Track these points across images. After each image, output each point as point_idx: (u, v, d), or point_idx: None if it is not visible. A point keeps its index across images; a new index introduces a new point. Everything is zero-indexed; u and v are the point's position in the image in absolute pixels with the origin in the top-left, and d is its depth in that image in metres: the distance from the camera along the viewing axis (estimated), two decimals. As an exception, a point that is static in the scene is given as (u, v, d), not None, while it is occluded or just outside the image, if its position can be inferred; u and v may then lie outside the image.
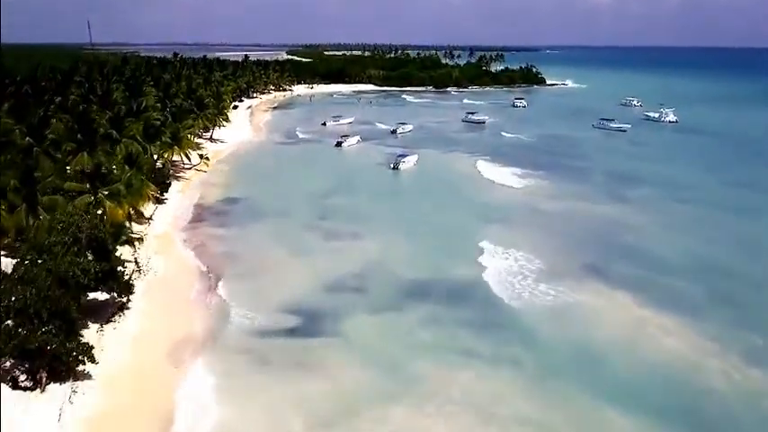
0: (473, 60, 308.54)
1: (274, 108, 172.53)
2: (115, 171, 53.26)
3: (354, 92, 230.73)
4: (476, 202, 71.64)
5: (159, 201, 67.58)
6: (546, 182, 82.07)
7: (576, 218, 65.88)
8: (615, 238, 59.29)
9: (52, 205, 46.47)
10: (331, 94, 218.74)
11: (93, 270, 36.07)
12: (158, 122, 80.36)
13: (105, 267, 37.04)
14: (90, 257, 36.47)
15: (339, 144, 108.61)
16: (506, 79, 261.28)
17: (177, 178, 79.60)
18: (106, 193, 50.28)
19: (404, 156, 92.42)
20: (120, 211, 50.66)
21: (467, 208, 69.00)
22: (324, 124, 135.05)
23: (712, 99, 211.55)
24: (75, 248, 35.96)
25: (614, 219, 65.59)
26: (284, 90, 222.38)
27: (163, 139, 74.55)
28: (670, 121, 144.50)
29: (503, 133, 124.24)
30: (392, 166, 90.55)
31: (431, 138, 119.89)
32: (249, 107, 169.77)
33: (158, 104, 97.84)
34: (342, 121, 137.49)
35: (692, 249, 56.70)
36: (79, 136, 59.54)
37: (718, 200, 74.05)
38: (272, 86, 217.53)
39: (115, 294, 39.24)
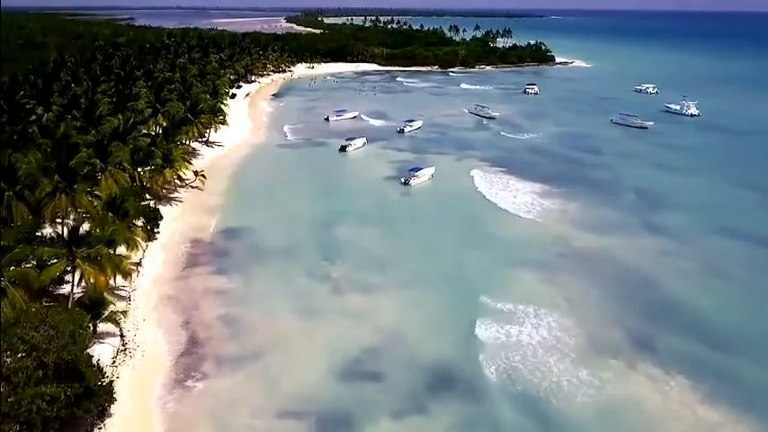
0: (479, 35, 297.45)
1: (274, 96, 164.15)
2: (96, 231, 46.53)
3: (356, 73, 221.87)
4: (497, 236, 64.78)
5: (151, 236, 61.10)
6: (572, 204, 75.10)
7: (611, 260, 59.34)
8: (660, 292, 52.92)
9: (22, 278, 40.05)
10: (333, 76, 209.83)
11: (63, 395, 29.96)
12: (148, 141, 73.41)
13: (78, 390, 30.82)
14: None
15: (344, 148, 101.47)
16: (515, 58, 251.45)
17: (170, 200, 72.91)
18: (85, 256, 43.74)
19: (415, 170, 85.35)
20: (102, 278, 44.22)
21: (488, 246, 62.34)
22: (326, 119, 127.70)
23: (726, 81, 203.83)
24: (41, 373, 29.67)
25: (655, 261, 59.05)
26: (284, 71, 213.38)
27: (153, 163, 67.55)
28: (692, 115, 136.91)
29: (516, 135, 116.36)
30: (403, 181, 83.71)
31: (440, 138, 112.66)
32: (248, 94, 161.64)
33: (149, 110, 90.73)
34: (345, 116, 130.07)
35: (754, 308, 50.50)
36: (57, 177, 52.65)
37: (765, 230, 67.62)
38: (271, 68, 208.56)
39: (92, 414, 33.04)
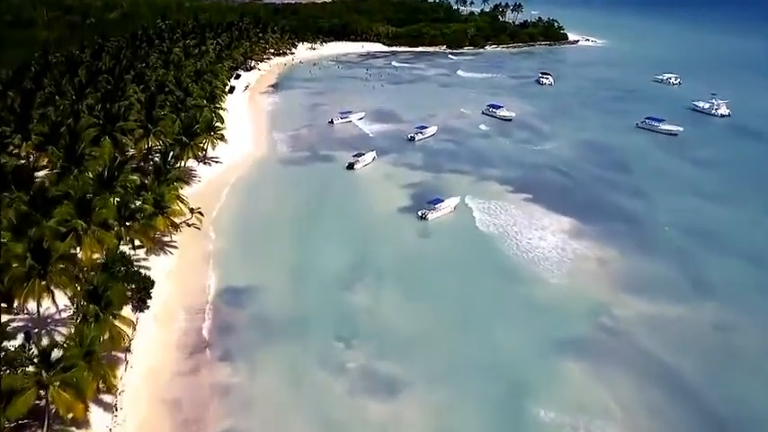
0: (487, 9, 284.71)
1: (273, 88, 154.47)
2: (71, 346, 39.33)
3: (361, 55, 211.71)
4: (531, 301, 57.40)
5: (141, 306, 53.98)
6: (607, 251, 67.27)
7: (661, 338, 51.89)
8: (718, 391, 46.04)
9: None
10: (336, 61, 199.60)
11: None
12: (137, 181, 65.71)
13: None
14: None
15: (351, 166, 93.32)
16: (526, 37, 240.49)
17: (163, 247, 65.42)
18: (58, 383, 36.77)
19: (434, 202, 77.43)
20: (80, 406, 37.33)
21: (522, 317, 55.08)
22: (331, 122, 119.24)
23: (756, 64, 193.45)
24: None
25: (713, 341, 52.05)
26: (285, 54, 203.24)
27: (143, 215, 59.86)
28: (722, 115, 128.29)
29: (536, 145, 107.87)
30: (420, 215, 76.02)
31: (454, 151, 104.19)
32: (247, 87, 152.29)
33: (141, 130, 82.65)
34: (351, 117, 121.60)
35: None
36: (30, 261, 45.26)
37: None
38: (271, 50, 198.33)
39: None
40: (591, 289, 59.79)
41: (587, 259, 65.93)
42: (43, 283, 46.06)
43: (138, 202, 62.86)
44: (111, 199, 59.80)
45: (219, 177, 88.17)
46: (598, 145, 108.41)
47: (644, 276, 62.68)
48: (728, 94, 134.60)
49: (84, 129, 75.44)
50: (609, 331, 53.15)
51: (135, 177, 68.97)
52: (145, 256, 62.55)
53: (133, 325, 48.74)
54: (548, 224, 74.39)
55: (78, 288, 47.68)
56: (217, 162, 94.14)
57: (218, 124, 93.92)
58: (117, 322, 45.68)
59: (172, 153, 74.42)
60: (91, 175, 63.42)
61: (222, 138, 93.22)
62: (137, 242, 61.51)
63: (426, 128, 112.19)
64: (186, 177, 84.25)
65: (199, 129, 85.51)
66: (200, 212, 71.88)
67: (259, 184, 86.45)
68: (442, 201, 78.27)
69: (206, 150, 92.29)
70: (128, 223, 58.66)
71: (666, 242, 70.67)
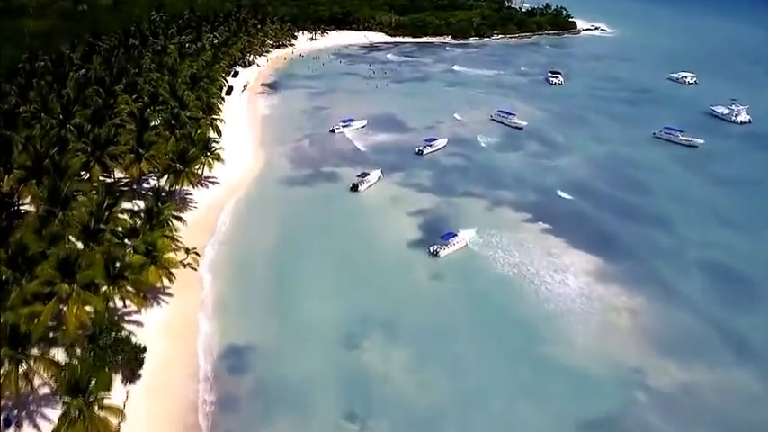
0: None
1: (272, 88, 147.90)
2: None
3: (364, 47, 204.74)
4: (555, 365, 52.54)
5: (133, 377, 49.43)
6: (636, 300, 62.27)
7: (704, 419, 47.64)
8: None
9: None
10: (338, 55, 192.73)
11: None
12: (128, 225, 60.59)
13: None
14: None
15: (355, 188, 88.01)
16: (533, 26, 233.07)
17: (156, 297, 60.41)
18: None
19: (447, 237, 72.30)
20: None
21: (547, 388, 50.28)
22: (332, 131, 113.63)
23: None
24: None
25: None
26: (284, 46, 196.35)
27: (133, 270, 54.82)
28: (741, 122, 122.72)
29: (551, 160, 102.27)
30: (431, 251, 70.97)
31: (464, 167, 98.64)
32: (245, 86, 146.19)
33: (131, 155, 77.20)
34: (353, 126, 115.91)
35: None
36: (5, 350, 40.47)
37: None
38: (270, 43, 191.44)
39: None
40: (621, 350, 54.94)
41: (615, 310, 60.96)
42: (21, 370, 41.46)
43: (128, 252, 57.90)
44: (99, 254, 54.65)
45: (216, 203, 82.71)
46: (615, 160, 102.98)
47: (676, 332, 57.92)
48: (747, 96, 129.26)
49: (71, 158, 70.20)
50: (643, 407, 48.45)
51: (125, 218, 63.70)
52: (135, 308, 57.78)
53: (121, 413, 43.99)
54: (568, 263, 69.35)
55: (61, 373, 42.89)
56: (214, 182, 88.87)
57: (215, 144, 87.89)
58: (103, 413, 41.08)
59: (164, 191, 68.87)
60: (78, 220, 58.27)
61: (219, 158, 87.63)
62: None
63: (435, 140, 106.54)
64: (180, 205, 79.47)
65: (193, 155, 79.76)
66: (195, 253, 66.83)
67: (258, 213, 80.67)
68: (455, 236, 73.05)
69: (202, 173, 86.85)
70: (117, 280, 53.68)
71: (698, 290, 65.61)
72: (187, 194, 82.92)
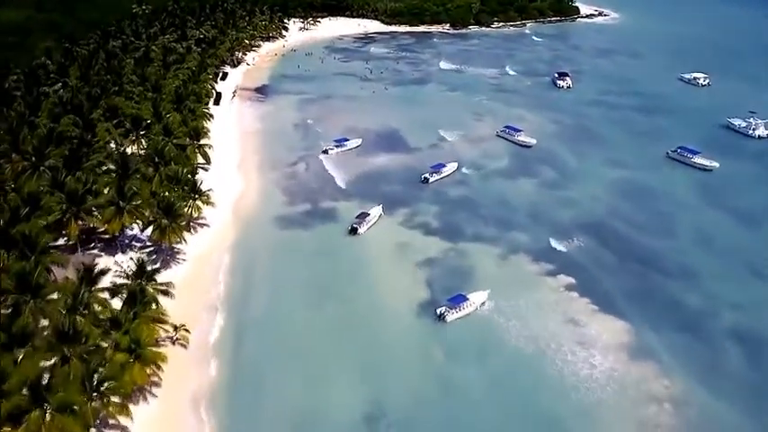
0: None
1: (263, 94, 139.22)
2: None
3: (358, 37, 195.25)
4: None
5: None
6: (677, 384, 55.87)
7: None
8: None
9: None
10: (330, 49, 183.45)
11: None
12: (108, 318, 53.90)
13: None
14: None
15: (354, 230, 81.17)
16: (535, 12, 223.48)
17: (143, 392, 54.08)
18: None
19: (456, 300, 66.04)
20: None
21: None
22: (325, 152, 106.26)
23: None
24: None
25: None
26: (275, 39, 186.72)
27: (113, 378, 48.38)
28: (759, 137, 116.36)
29: (564, 190, 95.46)
30: (438, 315, 64.85)
31: (473, 201, 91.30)
32: (235, 92, 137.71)
33: (111, 208, 70.13)
34: (347, 145, 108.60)
35: None
36: None
37: None
38: (259, 37, 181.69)
39: None
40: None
41: (655, 401, 54.84)
42: None
43: (110, 346, 51.54)
44: (75, 360, 48.11)
45: (206, 254, 75.64)
46: (631, 189, 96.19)
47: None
48: (763, 99, 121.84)
49: (45, 215, 63.60)
50: None
51: (104, 297, 57.02)
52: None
53: None
54: (594, 334, 63.16)
55: None
56: (202, 224, 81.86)
57: (204, 188, 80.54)
58: None
59: (147, 263, 61.99)
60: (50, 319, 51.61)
61: (208, 202, 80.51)
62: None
63: (443, 166, 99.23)
64: (166, 258, 72.91)
65: (179, 209, 72.63)
66: (185, 330, 60.58)
67: (251, 269, 73.40)
68: (465, 299, 66.80)
69: (190, 216, 79.70)
70: (96, 394, 47.33)
71: (739, 364, 60.11)
72: (173, 247, 75.99)
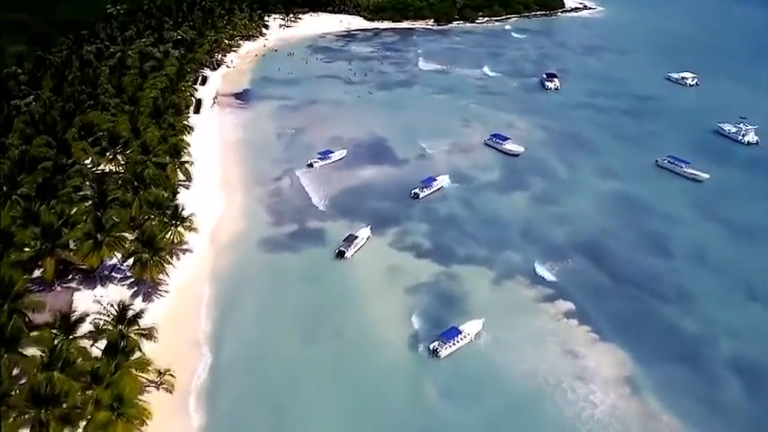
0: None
1: (243, 100, 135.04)
2: None
3: (340, 36, 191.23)
4: None
5: None
6: (676, 425, 55.33)
7: None
8: None
9: None
10: (314, 42, 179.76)
11: None
12: (89, 371, 50.99)
13: None
14: None
15: (341, 254, 78.54)
16: (520, 6, 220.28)
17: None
18: None
19: (449, 335, 63.82)
20: None
21: None
22: (310, 165, 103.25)
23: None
24: None
25: None
26: (255, 37, 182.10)
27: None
28: (749, 143, 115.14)
29: (554, 205, 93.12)
30: (431, 350, 62.57)
31: (464, 218, 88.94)
32: (215, 99, 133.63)
33: (89, 242, 66.96)
34: (332, 157, 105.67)
35: None
36: None
37: None
38: (239, 36, 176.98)
39: None
40: None
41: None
42: None
43: (90, 402, 48.83)
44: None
45: (190, 284, 72.56)
46: (623, 202, 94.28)
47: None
48: (753, 101, 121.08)
49: (18, 254, 60.30)
50: None
51: (84, 345, 54.15)
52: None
53: None
54: (594, 367, 61.37)
55: None
56: (185, 250, 78.91)
57: (187, 212, 77.37)
58: None
59: (129, 305, 58.95)
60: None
61: (191, 227, 77.43)
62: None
63: (433, 180, 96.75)
64: (148, 290, 69.97)
65: (160, 241, 69.58)
66: (171, 375, 57.94)
67: (237, 299, 70.33)
68: (459, 332, 64.66)
69: (172, 242, 76.63)
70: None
71: (739, 398, 58.86)
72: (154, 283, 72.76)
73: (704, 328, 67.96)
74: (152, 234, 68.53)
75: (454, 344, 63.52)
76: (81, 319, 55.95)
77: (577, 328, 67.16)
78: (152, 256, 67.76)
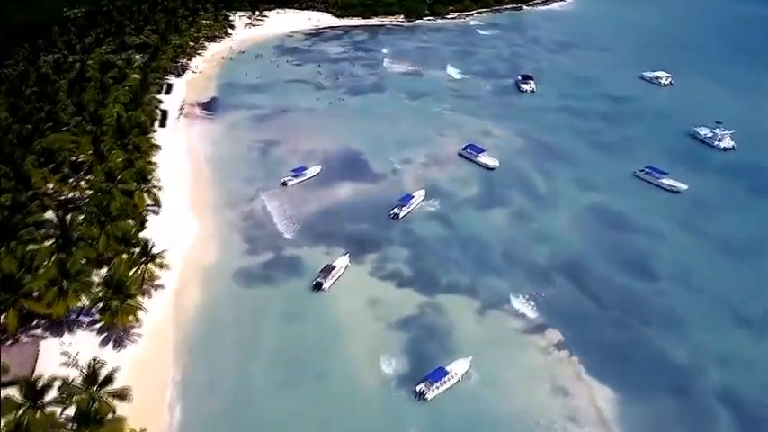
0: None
1: (210, 110, 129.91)
2: None
3: (309, 35, 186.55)
4: None
5: None
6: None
7: None
8: None
9: None
10: (282, 43, 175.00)
11: None
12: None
13: None
14: None
15: (319, 285, 75.60)
16: (490, 0, 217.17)
17: None
18: None
19: (437, 376, 61.59)
20: None
21: None
22: (284, 184, 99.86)
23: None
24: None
25: None
26: (221, 38, 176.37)
27: None
28: (725, 148, 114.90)
29: (535, 221, 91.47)
30: (417, 393, 60.54)
31: (444, 238, 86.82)
32: (182, 108, 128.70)
33: (51, 263, 63.36)
34: (306, 174, 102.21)
35: None
36: None
37: None
38: (203, 38, 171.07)
39: None
40: None
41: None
42: None
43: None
44: None
45: (161, 326, 68.81)
46: (603, 218, 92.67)
47: None
48: (727, 101, 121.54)
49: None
50: None
51: (53, 411, 50.83)
52: None
53: None
54: (585, 406, 60.05)
55: None
56: (157, 287, 75.27)
57: (158, 251, 73.63)
58: None
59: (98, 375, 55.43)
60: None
61: (163, 264, 73.78)
62: None
63: (411, 198, 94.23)
64: (121, 338, 66.53)
65: (132, 287, 66.03)
66: (143, 435, 54.80)
67: (210, 339, 66.56)
68: (447, 373, 62.65)
69: (143, 279, 73.00)
70: None
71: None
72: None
73: (693, 358, 67.22)
74: (121, 279, 64.83)
75: (441, 385, 61.69)
76: (48, 385, 52.38)
77: (566, 360, 66.10)
78: (122, 302, 64.19)
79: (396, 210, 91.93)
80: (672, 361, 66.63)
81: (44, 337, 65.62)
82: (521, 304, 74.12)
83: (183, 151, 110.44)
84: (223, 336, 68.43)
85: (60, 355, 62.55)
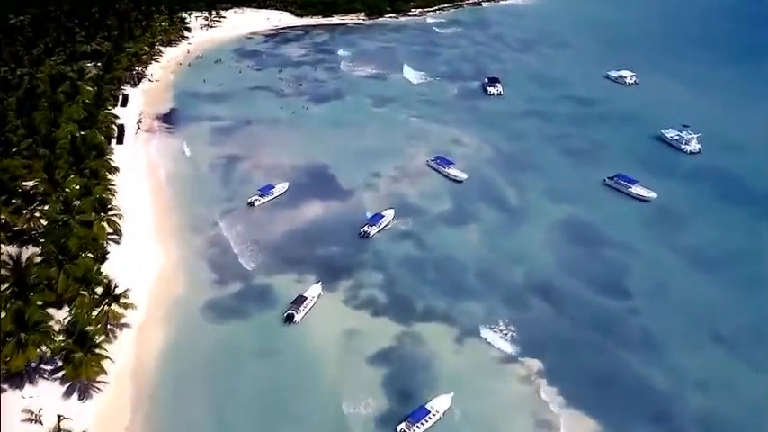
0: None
1: (170, 123, 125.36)
2: None
3: (269, 36, 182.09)
4: None
5: None
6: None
7: None
8: None
9: None
10: (241, 46, 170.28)
11: None
12: None
13: None
14: None
15: (290, 318, 73.00)
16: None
17: None
18: None
19: (418, 416, 59.71)
20: None
21: None
22: (251, 204, 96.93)
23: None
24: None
25: None
26: (177, 42, 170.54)
27: None
28: (691, 152, 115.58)
29: (508, 240, 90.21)
30: None
31: (417, 260, 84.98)
32: (139, 122, 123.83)
33: (7, 315, 59.68)
34: (274, 193, 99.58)
35: None
36: None
37: None
38: (159, 42, 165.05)
39: None
40: None
41: None
42: None
43: None
44: None
45: (129, 371, 65.80)
46: (575, 231, 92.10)
47: None
48: (693, 100, 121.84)
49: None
50: None
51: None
52: None
53: None
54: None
55: None
56: (122, 326, 71.97)
57: (121, 290, 70.26)
58: None
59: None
60: None
61: (127, 304, 70.46)
62: None
63: (381, 217, 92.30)
64: (85, 388, 63.26)
65: (95, 336, 62.75)
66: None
67: (179, 386, 63.28)
68: (428, 412, 61.23)
69: (106, 322, 69.56)
70: None
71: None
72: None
73: (671, 381, 66.64)
74: (83, 326, 61.44)
75: (423, 424, 60.27)
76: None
77: (546, 390, 64.99)
78: (86, 353, 60.87)
79: (366, 228, 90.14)
80: (651, 386, 65.97)
81: (4, 390, 62.00)
82: (498, 331, 72.89)
83: (142, 170, 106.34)
84: (194, 380, 65.56)
85: (22, 413, 59.12)
